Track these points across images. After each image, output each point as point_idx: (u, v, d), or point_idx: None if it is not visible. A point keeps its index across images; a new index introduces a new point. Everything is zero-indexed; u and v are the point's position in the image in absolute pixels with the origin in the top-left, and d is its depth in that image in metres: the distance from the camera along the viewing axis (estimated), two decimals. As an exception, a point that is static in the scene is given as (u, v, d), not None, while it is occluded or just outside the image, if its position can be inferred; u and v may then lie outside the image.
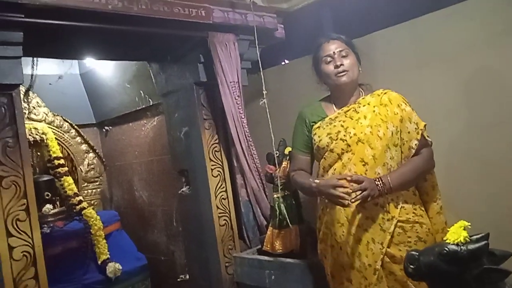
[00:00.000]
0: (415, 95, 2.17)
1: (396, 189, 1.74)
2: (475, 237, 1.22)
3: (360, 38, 2.59)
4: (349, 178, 1.67)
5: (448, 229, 1.30)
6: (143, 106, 3.61)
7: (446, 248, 1.22)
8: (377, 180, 1.71)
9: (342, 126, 1.86)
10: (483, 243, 1.19)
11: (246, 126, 2.70)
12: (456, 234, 1.23)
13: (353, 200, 1.65)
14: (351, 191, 1.65)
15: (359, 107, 1.87)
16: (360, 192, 1.64)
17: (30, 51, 2.14)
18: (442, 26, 2.32)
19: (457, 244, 1.22)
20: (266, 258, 2.56)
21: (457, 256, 1.21)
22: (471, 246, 1.20)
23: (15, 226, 2.00)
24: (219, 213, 2.81)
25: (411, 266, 1.31)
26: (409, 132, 1.82)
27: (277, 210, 2.53)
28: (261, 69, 2.38)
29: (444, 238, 1.28)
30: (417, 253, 1.30)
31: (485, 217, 2.05)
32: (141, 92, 3.56)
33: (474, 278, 1.20)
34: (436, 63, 2.35)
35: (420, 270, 1.28)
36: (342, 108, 1.92)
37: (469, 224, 1.25)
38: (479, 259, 1.20)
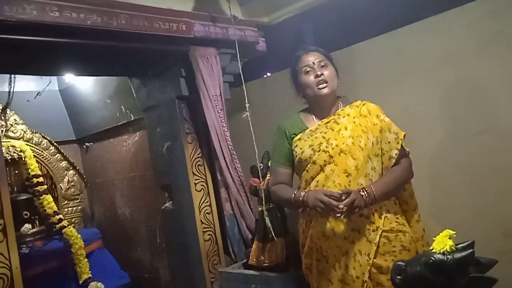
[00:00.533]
0: (397, 106, 2.20)
1: (380, 199, 1.74)
2: (460, 245, 1.22)
3: (341, 50, 2.63)
4: (337, 195, 1.67)
5: (433, 238, 1.30)
6: (125, 122, 3.57)
7: (432, 258, 1.22)
8: (362, 190, 1.71)
9: (324, 137, 1.85)
10: (469, 251, 1.19)
11: (229, 140, 2.68)
12: (442, 243, 1.23)
13: (343, 212, 1.64)
14: (339, 204, 1.64)
15: (339, 118, 1.87)
16: (346, 203, 1.64)
17: (7, 68, 2.11)
18: (423, 37, 2.37)
19: (443, 253, 1.22)
20: (251, 272, 2.53)
21: (444, 266, 1.20)
22: (457, 255, 1.20)
23: (-8, 248, 1.94)
24: (204, 228, 2.77)
25: (398, 277, 1.30)
26: (389, 142, 1.83)
27: (262, 223, 2.51)
28: (243, 82, 2.38)
29: (430, 248, 1.28)
30: (404, 264, 1.30)
31: (471, 225, 2.07)
32: (122, 107, 3.52)
33: (462, 287, 1.20)
34: (417, 74, 2.39)
35: (407, 281, 1.27)
36: (322, 120, 1.91)
37: (455, 232, 1.25)
38: (466, 267, 1.20)
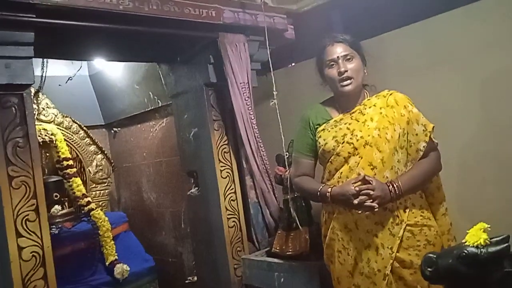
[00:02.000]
0: (428, 96, 2.15)
1: (406, 193, 1.72)
2: (495, 239, 1.19)
3: (371, 39, 2.57)
4: (361, 178, 1.65)
5: (467, 231, 1.27)
6: (152, 108, 3.61)
7: (466, 251, 1.19)
8: (389, 184, 1.68)
9: (348, 128, 1.82)
10: (504, 245, 1.16)
11: (255, 127, 2.68)
12: (476, 236, 1.20)
13: (374, 207, 1.64)
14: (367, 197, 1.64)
15: (365, 108, 1.83)
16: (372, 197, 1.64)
17: (41, 51, 2.14)
18: (455, 26, 2.30)
19: (477, 247, 1.19)
20: (275, 260, 2.54)
21: (477, 259, 1.18)
22: (491, 249, 1.17)
23: (25, 227, 1.99)
24: (228, 214, 2.79)
25: (429, 269, 1.28)
26: (416, 134, 1.78)
27: (287, 212, 2.51)
28: (271, 69, 2.36)
29: (463, 241, 1.25)
30: (435, 256, 1.27)
31: (501, 219, 2.01)
32: (150, 93, 3.56)
33: (495, 282, 1.17)
34: (449, 64, 2.32)
35: (438, 273, 1.25)
36: (347, 110, 1.88)
37: (489, 226, 1.22)
38: (500, 262, 1.17)
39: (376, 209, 1.65)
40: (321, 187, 1.82)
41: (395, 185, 1.67)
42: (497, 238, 1.19)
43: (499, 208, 2.12)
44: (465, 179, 2.24)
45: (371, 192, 1.64)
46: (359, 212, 1.69)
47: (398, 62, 2.51)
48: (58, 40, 2.32)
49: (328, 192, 1.76)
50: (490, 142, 2.19)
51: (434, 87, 2.35)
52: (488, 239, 1.20)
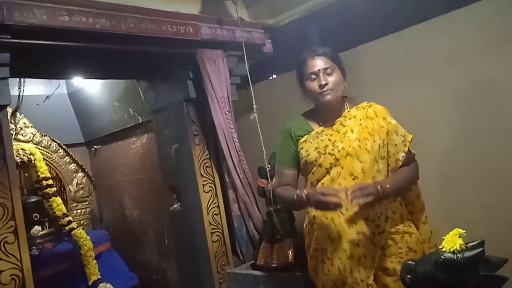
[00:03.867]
0: (404, 106, 2.19)
1: (392, 194, 1.71)
2: (470, 244, 1.22)
3: (347, 51, 2.63)
4: (351, 190, 1.63)
5: (443, 238, 1.30)
6: (132, 124, 3.60)
7: (443, 257, 1.22)
8: (376, 184, 1.66)
9: (330, 140, 1.83)
10: (479, 250, 1.19)
11: (236, 141, 2.70)
12: (452, 242, 1.23)
13: (354, 203, 1.61)
14: (342, 199, 1.62)
15: (345, 120, 1.85)
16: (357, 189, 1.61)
17: (17, 71, 2.13)
18: (429, 37, 2.36)
19: (453, 252, 1.22)
20: (260, 273, 2.53)
21: (454, 264, 1.20)
22: (467, 254, 1.20)
23: (3, 249, 1.96)
24: (212, 229, 2.78)
25: (408, 276, 1.30)
26: (396, 145, 1.81)
27: (270, 224, 2.52)
28: (250, 84, 2.39)
29: (440, 247, 1.28)
30: (414, 263, 1.30)
31: (481, 225, 2.06)
32: (130, 110, 3.54)
33: (472, 286, 1.20)
34: (424, 74, 2.38)
35: (417, 280, 1.28)
36: (328, 122, 1.90)
37: (464, 231, 1.25)
38: (476, 266, 1.20)
39: (341, 206, 1.63)
40: (297, 192, 1.81)
41: (382, 185, 1.66)
42: (473, 243, 1.22)
43: (478, 214, 2.17)
44: (445, 187, 2.29)
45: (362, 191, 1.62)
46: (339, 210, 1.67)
47: (374, 74, 2.56)
48: (35, 60, 2.31)
49: (304, 193, 1.74)
50: (468, 150, 2.24)
51: (410, 97, 2.40)
52: (464, 244, 1.23)
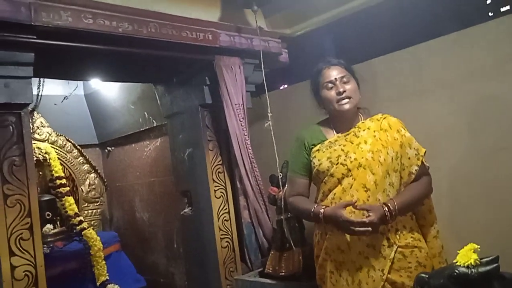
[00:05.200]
0: (417, 120, 2.20)
1: (399, 215, 1.74)
2: (485, 259, 1.22)
3: (361, 63, 2.64)
4: (358, 207, 1.68)
5: (458, 252, 1.30)
6: (147, 127, 3.64)
7: (457, 271, 1.22)
8: (384, 207, 1.69)
9: (343, 150, 1.84)
10: (493, 265, 1.19)
11: (250, 148, 2.71)
12: (466, 256, 1.23)
13: (364, 232, 1.66)
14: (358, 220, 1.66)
15: (359, 131, 1.86)
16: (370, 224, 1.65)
17: (39, 71, 2.17)
18: (443, 53, 2.37)
19: (467, 267, 1.22)
20: (268, 281, 2.54)
21: (468, 279, 1.21)
22: (481, 269, 1.20)
23: (18, 245, 1.98)
24: (221, 234, 2.80)
25: (421, 289, 1.31)
26: (409, 158, 1.82)
27: (280, 232, 2.53)
28: (266, 91, 2.41)
29: (454, 261, 1.28)
30: (427, 276, 1.30)
31: (491, 241, 2.04)
32: (145, 113, 3.59)
33: (485, 301, 1.20)
34: (437, 90, 2.38)
35: (430, 293, 1.28)
36: (342, 132, 1.91)
37: (479, 246, 1.26)
38: (490, 282, 1.20)
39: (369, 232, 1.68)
40: (314, 207, 1.83)
41: (390, 208, 1.69)
42: (487, 259, 1.22)
43: (488, 229, 2.16)
44: (455, 201, 2.28)
45: (369, 219, 1.65)
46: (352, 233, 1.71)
47: (387, 87, 2.57)
48: (57, 60, 2.36)
49: (321, 213, 1.77)
50: (479, 167, 2.24)
51: (422, 111, 2.40)
52: (478, 259, 1.23)
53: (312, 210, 1.83)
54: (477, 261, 1.22)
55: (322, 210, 1.78)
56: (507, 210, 2.14)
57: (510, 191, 2.13)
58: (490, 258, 1.22)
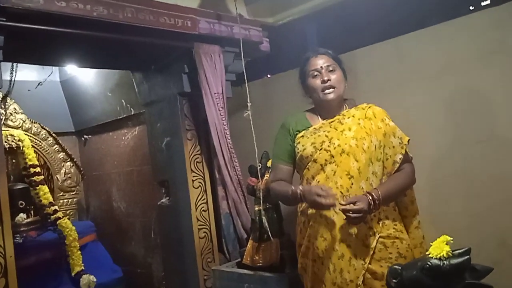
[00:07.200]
0: (398, 111, 2.20)
1: (384, 203, 1.75)
2: (457, 251, 1.23)
3: (344, 54, 2.62)
4: (343, 203, 1.67)
5: (431, 244, 1.31)
6: (124, 116, 3.57)
7: (429, 263, 1.23)
8: (368, 196, 1.69)
9: (327, 136, 1.85)
10: (465, 257, 1.20)
11: (229, 138, 2.68)
12: (439, 248, 1.24)
13: (354, 221, 1.66)
14: (335, 202, 1.66)
15: (344, 118, 1.88)
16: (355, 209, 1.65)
17: (10, 55, 2.09)
18: (425, 45, 2.38)
19: (440, 259, 1.23)
20: (245, 271, 2.53)
21: (440, 271, 1.21)
22: (453, 261, 1.21)
23: (-14, 236, 1.93)
24: (199, 225, 2.77)
25: (394, 280, 1.31)
26: (393, 147, 1.84)
27: (258, 223, 2.51)
28: (246, 81, 2.38)
29: (427, 253, 1.28)
30: (400, 267, 1.31)
31: (467, 233, 2.07)
32: (123, 101, 3.51)
33: (457, 293, 1.21)
34: (418, 81, 2.40)
35: (403, 285, 1.28)
36: (327, 119, 1.92)
37: (452, 238, 1.26)
38: (461, 273, 1.21)
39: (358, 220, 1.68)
40: (292, 188, 1.83)
41: (374, 196, 1.69)
42: (459, 251, 1.23)
43: (466, 222, 2.19)
44: (434, 193, 2.30)
45: (359, 207, 1.65)
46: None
47: (369, 78, 2.57)
48: (29, 45, 2.28)
49: (300, 189, 1.77)
50: (458, 158, 2.26)
51: (403, 102, 2.41)
52: (451, 251, 1.24)
53: (291, 190, 1.83)
54: (449, 253, 1.23)
55: (300, 187, 1.79)
56: (485, 202, 2.17)
57: (487, 183, 2.17)
58: (462, 250, 1.23)
